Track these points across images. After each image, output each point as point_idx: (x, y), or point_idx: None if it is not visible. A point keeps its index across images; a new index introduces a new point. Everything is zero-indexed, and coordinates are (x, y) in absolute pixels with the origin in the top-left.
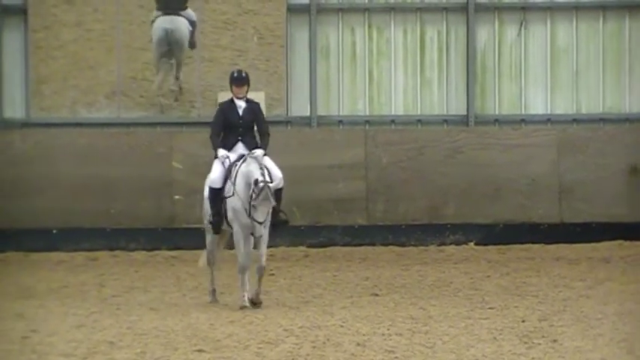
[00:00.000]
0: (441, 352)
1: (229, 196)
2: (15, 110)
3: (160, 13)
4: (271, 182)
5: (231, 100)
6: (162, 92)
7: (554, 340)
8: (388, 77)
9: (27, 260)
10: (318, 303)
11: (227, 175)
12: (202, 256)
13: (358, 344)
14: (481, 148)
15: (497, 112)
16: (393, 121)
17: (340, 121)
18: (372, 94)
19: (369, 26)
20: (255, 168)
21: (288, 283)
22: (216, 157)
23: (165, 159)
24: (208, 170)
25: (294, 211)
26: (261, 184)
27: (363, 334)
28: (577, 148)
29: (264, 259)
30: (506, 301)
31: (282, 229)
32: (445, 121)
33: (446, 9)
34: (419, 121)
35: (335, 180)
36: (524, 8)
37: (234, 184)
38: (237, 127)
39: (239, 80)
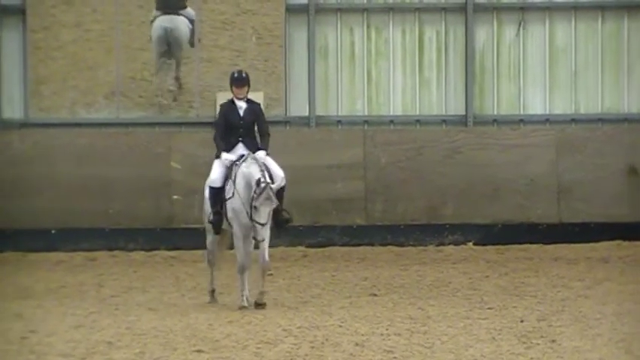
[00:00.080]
0: (439, 352)
1: (229, 198)
2: (14, 110)
3: (159, 12)
4: (273, 183)
5: (232, 101)
6: (162, 92)
7: (553, 340)
8: (387, 77)
9: (25, 260)
10: (316, 303)
11: (227, 174)
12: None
13: (357, 344)
14: (480, 149)
15: (495, 112)
16: (391, 121)
17: (339, 121)
18: (370, 94)
19: (368, 26)
20: (256, 169)
21: (287, 283)
22: (216, 157)
23: (163, 159)
24: (207, 170)
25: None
26: (263, 184)
27: (362, 334)
28: (575, 148)
29: (266, 253)
30: (504, 301)
31: (284, 228)
32: (444, 121)
33: (444, 9)
34: (417, 121)
35: (334, 180)
36: (523, 8)
37: (234, 184)
38: (237, 128)
39: (239, 81)
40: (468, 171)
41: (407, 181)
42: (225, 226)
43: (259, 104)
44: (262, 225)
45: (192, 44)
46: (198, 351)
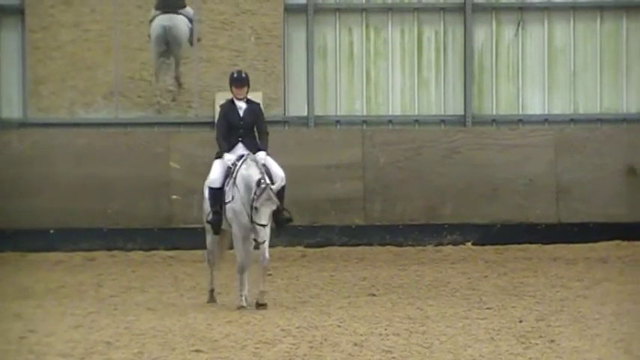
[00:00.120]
0: (438, 352)
1: (229, 201)
2: (12, 110)
3: (158, 12)
4: (273, 184)
5: (232, 101)
6: (161, 92)
7: (552, 341)
8: (385, 77)
9: (24, 260)
10: (315, 303)
11: (227, 174)
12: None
13: (355, 344)
14: (478, 149)
15: (494, 113)
16: (390, 121)
17: (338, 121)
18: (369, 94)
19: (367, 26)
20: (255, 171)
21: (286, 283)
22: (217, 157)
23: (162, 159)
24: (206, 170)
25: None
26: (264, 185)
27: (361, 334)
28: (574, 148)
29: (267, 253)
30: (503, 301)
31: (285, 228)
32: (442, 121)
33: (443, 9)
34: (416, 121)
35: (332, 180)
36: (522, 8)
37: (234, 186)
38: (237, 129)
39: (239, 81)
40: (467, 171)
41: (406, 181)
42: (224, 226)
43: (259, 104)
44: (263, 226)
45: (191, 43)
46: (197, 351)
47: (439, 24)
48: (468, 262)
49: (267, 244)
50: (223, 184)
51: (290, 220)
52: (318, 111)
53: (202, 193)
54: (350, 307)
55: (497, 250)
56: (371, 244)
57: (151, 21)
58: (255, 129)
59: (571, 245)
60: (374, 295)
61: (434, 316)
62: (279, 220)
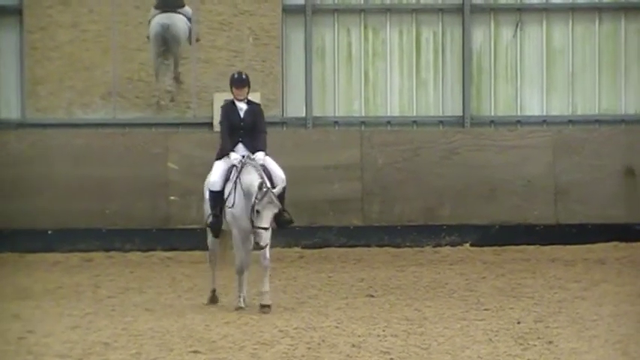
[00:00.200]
0: (436, 354)
1: (230, 207)
2: (10, 111)
3: (157, 11)
4: (273, 185)
5: (232, 102)
6: (160, 93)
7: (550, 342)
8: (384, 78)
9: (22, 261)
10: (313, 304)
11: (227, 177)
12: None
13: (353, 345)
14: (477, 150)
15: (492, 114)
16: (388, 122)
17: (336, 122)
18: (367, 95)
19: (365, 27)
20: (255, 176)
21: (284, 284)
22: (217, 159)
23: (160, 160)
24: (204, 171)
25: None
26: (265, 189)
27: (359, 336)
28: (573, 149)
29: (267, 254)
30: (501, 302)
31: (285, 229)
32: (441, 122)
33: (441, 10)
34: (414, 122)
35: (330, 181)
36: (520, 9)
37: (235, 192)
38: (238, 129)
39: (239, 82)
40: (465, 172)
41: (404, 182)
42: (225, 226)
43: (259, 105)
44: (265, 229)
45: (190, 42)
46: (195, 352)
47: (437, 25)
48: (466, 263)
49: (268, 245)
50: (223, 187)
51: (291, 221)
52: (317, 112)
53: (202, 193)
54: (348, 308)
55: (496, 251)
56: (369, 245)
57: (150, 20)
58: (254, 130)
59: (569, 246)
60: (372, 296)
61: (432, 318)
62: (280, 221)
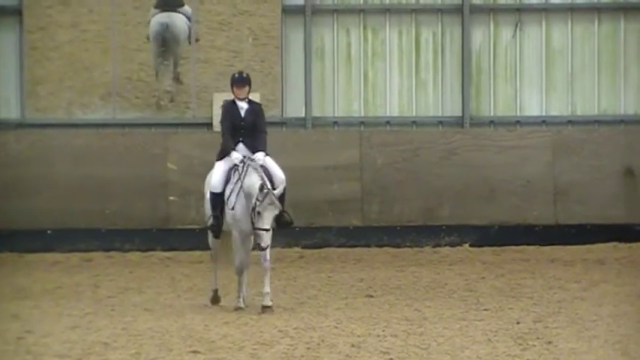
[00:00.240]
0: (435, 354)
1: (230, 209)
2: (10, 111)
3: (157, 10)
4: (274, 186)
5: (233, 102)
6: (160, 93)
7: (549, 342)
8: (383, 78)
9: (22, 261)
10: (312, 304)
11: (227, 178)
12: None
13: (353, 345)
14: (476, 150)
15: (492, 114)
16: (388, 123)
17: (335, 123)
18: (367, 95)
19: (364, 27)
20: (256, 179)
21: (283, 284)
22: (218, 159)
23: (160, 160)
24: (204, 171)
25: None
26: (266, 190)
27: (358, 336)
28: (572, 149)
29: (268, 255)
30: (501, 302)
31: (285, 229)
32: (440, 122)
33: (441, 10)
34: (414, 122)
35: (330, 181)
36: (519, 10)
37: (236, 195)
38: (239, 129)
39: (240, 81)
40: (465, 172)
41: (403, 182)
42: (225, 227)
43: (260, 105)
44: (266, 231)
45: (190, 42)
46: (194, 352)
47: (437, 25)
48: (466, 263)
49: (269, 247)
50: (224, 189)
51: (291, 222)
52: (316, 112)
53: (202, 193)
54: (347, 308)
55: (495, 251)
56: (368, 246)
57: (150, 20)
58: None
59: (568, 247)
60: (371, 296)
61: (431, 318)
62: (281, 222)
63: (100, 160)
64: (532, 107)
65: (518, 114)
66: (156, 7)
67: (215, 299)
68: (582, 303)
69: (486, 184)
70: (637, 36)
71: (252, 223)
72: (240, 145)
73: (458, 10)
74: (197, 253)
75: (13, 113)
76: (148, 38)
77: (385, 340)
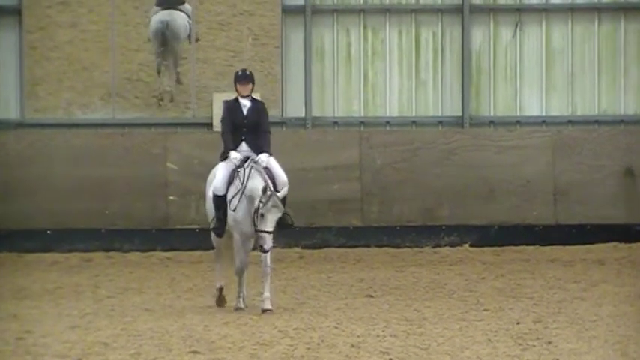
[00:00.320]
0: (435, 354)
1: (232, 211)
2: (9, 111)
3: (158, 8)
4: (276, 189)
5: (236, 99)
6: (160, 92)
7: (549, 342)
8: (383, 78)
9: (21, 261)
10: (312, 304)
11: (230, 180)
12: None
13: (353, 345)
14: (476, 150)
15: (492, 114)
16: (387, 123)
17: (335, 123)
18: (366, 95)
19: (364, 27)
20: (259, 182)
21: (283, 284)
22: (222, 159)
23: (160, 160)
24: (203, 171)
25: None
26: (269, 193)
27: (358, 336)
28: (572, 149)
29: (269, 258)
30: (500, 302)
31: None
32: (440, 122)
33: (441, 10)
34: (414, 122)
35: (330, 181)
36: (519, 10)
37: (240, 198)
38: (241, 127)
39: (243, 78)
40: (464, 172)
41: (403, 182)
42: (228, 227)
43: (263, 103)
44: (269, 233)
45: (190, 39)
46: (194, 352)
47: (437, 25)
48: (466, 263)
49: (270, 251)
50: (227, 191)
51: (292, 224)
52: (316, 112)
53: (202, 193)
54: (347, 308)
55: (495, 251)
56: (368, 246)
57: (151, 17)
58: (258, 128)
59: (568, 247)
60: (371, 296)
61: (431, 318)
62: (282, 224)
63: (99, 160)
64: (532, 107)
65: (518, 114)
66: (157, 4)
67: (220, 300)
68: (582, 303)
69: (486, 184)
70: (637, 36)
71: (254, 226)
72: (243, 144)
73: (458, 10)
74: (197, 253)
75: (12, 113)
76: (148, 39)
77: (385, 340)
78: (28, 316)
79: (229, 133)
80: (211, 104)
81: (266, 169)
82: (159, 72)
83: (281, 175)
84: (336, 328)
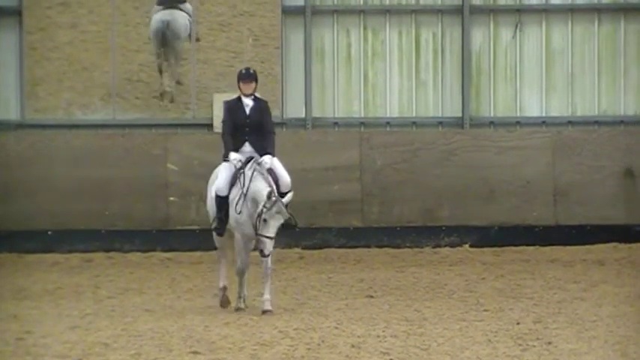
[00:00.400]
0: (435, 354)
1: (236, 213)
2: (9, 112)
3: (160, 7)
4: (280, 191)
5: (239, 99)
6: (161, 92)
7: (549, 343)
8: (383, 79)
9: (22, 262)
10: (312, 305)
11: (233, 181)
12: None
13: (353, 346)
14: (476, 151)
15: (492, 115)
16: (388, 123)
17: (335, 123)
18: (367, 95)
19: (364, 28)
20: (264, 185)
21: (283, 284)
22: (224, 159)
23: (160, 161)
24: (204, 172)
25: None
26: (274, 198)
27: (358, 336)
28: (572, 150)
29: (270, 261)
30: (500, 303)
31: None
32: (440, 123)
33: (441, 11)
34: (414, 123)
35: (330, 182)
36: (519, 10)
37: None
38: (244, 127)
39: (247, 77)
40: (464, 173)
41: (403, 183)
42: (229, 227)
43: (266, 102)
44: (271, 239)
45: (191, 39)
46: (194, 353)
47: (437, 26)
48: (466, 264)
49: (271, 254)
50: (229, 192)
51: (296, 225)
52: (316, 113)
53: (202, 194)
54: (347, 308)
55: (495, 252)
56: (368, 246)
57: (152, 17)
58: (261, 128)
59: (568, 247)
60: (371, 296)
61: (431, 318)
62: (285, 225)
63: (99, 160)
64: (532, 108)
65: (518, 115)
66: (158, 3)
67: (224, 301)
68: (582, 303)
69: (486, 184)
70: (637, 36)
71: (255, 229)
72: (246, 145)
73: (458, 10)
74: (197, 254)
75: (12, 114)
76: (149, 38)
77: (385, 341)
78: (28, 316)
79: (229, 135)
80: (212, 105)
81: (270, 170)
82: (160, 71)
83: (285, 177)
84: (337, 328)
